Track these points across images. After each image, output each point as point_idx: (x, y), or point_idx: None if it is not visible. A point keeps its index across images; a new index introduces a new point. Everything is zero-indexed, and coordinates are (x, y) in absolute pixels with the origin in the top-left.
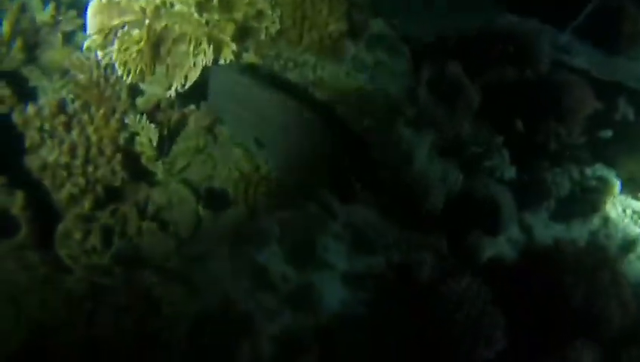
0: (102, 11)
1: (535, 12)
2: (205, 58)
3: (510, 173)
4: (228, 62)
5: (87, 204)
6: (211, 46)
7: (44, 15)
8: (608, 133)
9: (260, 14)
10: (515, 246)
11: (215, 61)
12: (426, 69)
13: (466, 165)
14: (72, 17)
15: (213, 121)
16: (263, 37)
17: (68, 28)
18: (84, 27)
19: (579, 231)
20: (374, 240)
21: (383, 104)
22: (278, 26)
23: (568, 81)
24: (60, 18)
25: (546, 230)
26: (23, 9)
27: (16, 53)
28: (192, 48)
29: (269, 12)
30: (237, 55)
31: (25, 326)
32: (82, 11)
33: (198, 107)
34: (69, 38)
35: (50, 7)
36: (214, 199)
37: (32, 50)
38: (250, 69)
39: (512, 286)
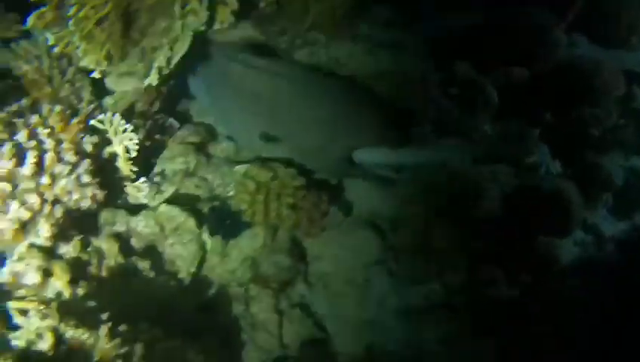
0: None
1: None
2: (197, 19)
3: (555, 167)
4: (225, 27)
5: (44, 231)
6: (204, 3)
7: None
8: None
9: None
10: (585, 250)
11: (209, 28)
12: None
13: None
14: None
15: (205, 137)
16: (262, 5)
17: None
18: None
19: None
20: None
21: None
22: None
23: (595, 63)
24: None
25: (611, 226)
26: None
27: None
28: (178, 7)
29: None
30: (235, 24)
31: None
32: None
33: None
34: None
35: None
36: (222, 224)
37: None
38: (252, 49)
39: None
